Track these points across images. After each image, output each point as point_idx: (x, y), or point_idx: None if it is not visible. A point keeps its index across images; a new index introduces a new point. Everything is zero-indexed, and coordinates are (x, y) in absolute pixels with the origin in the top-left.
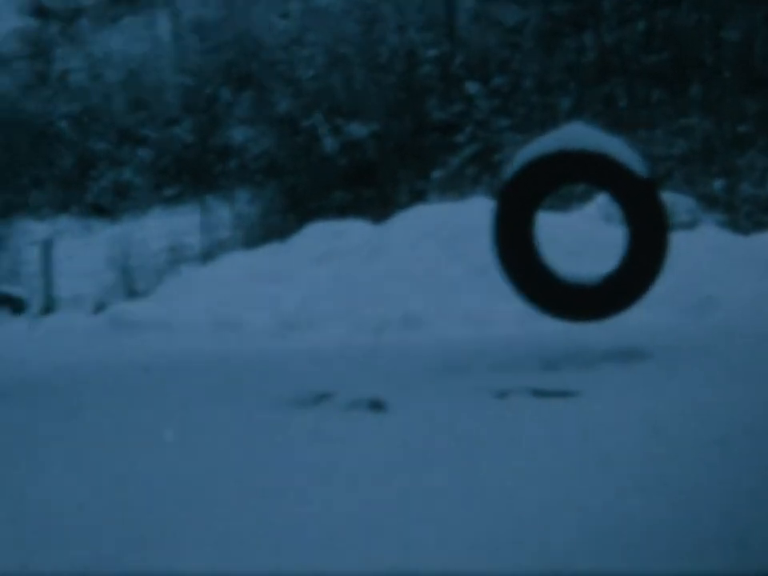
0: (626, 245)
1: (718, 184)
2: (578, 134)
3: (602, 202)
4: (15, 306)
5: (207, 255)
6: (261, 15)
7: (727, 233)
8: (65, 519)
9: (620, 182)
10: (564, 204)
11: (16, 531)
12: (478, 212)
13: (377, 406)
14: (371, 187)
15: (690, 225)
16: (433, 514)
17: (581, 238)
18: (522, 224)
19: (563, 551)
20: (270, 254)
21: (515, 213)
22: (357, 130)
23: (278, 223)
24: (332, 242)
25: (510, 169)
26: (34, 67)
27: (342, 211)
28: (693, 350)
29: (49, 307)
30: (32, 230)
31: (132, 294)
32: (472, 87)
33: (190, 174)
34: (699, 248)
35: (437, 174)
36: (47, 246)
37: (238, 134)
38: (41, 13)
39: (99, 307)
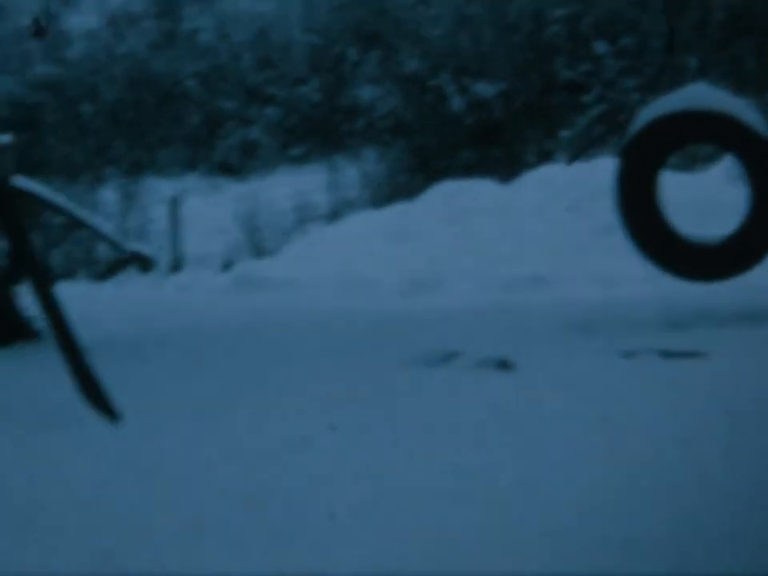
0: (749, 205)
1: None
2: (703, 94)
3: (728, 162)
4: (143, 264)
5: (334, 214)
6: None
7: None
8: (194, 470)
9: (743, 143)
10: (689, 164)
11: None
12: (604, 172)
13: (504, 365)
14: (498, 147)
15: None
16: (563, 470)
17: (705, 198)
18: (645, 183)
19: (698, 512)
20: (397, 213)
21: (638, 172)
22: (484, 89)
23: (405, 182)
24: (459, 202)
25: (633, 128)
26: (162, 27)
27: (469, 170)
28: None
29: (176, 265)
30: (160, 189)
31: (259, 252)
32: (600, 47)
33: (317, 134)
34: None
35: (564, 133)
36: (175, 205)
37: (365, 94)
38: None
39: (226, 266)
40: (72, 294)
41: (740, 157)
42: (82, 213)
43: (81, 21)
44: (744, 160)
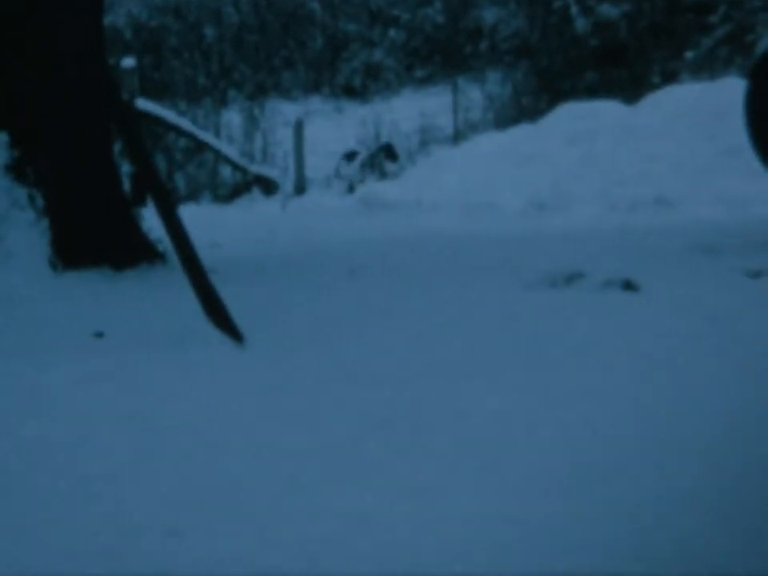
0: None
1: None
2: None
3: None
4: (268, 186)
5: (458, 136)
6: None
7: None
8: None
9: None
10: None
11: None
12: (730, 93)
13: (629, 286)
14: (623, 68)
15: None
16: (692, 393)
17: None
18: None
19: None
20: (521, 135)
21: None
22: (608, 10)
23: (528, 104)
24: (583, 123)
25: (762, 46)
26: None
27: (593, 92)
28: None
29: (300, 188)
30: (283, 111)
31: (383, 174)
32: None
33: (441, 55)
34: None
35: (689, 54)
36: (299, 127)
37: (490, 15)
38: None
39: (351, 188)
40: (196, 217)
41: None
42: (206, 135)
43: None
44: None
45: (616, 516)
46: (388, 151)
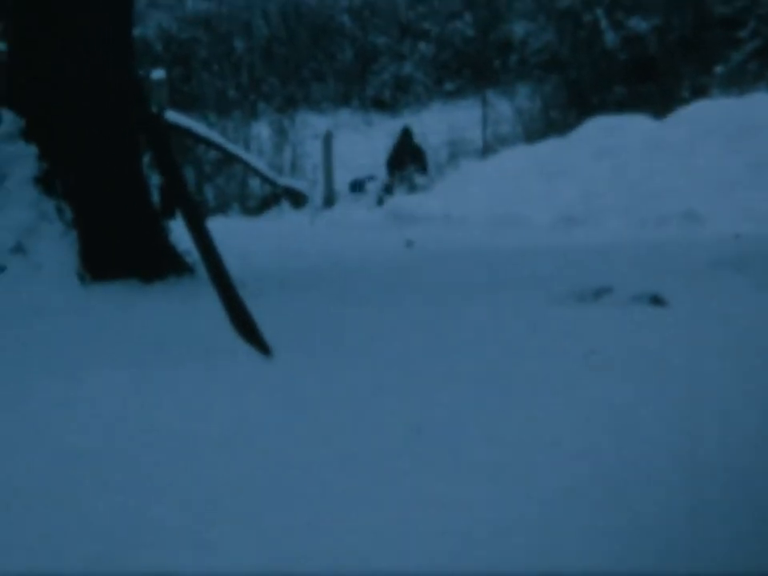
0: None
1: None
2: None
3: None
4: (296, 198)
5: (487, 149)
6: None
7: None
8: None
9: None
10: None
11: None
12: (760, 108)
13: (657, 301)
14: (652, 82)
15: None
16: (718, 407)
17: None
18: None
19: None
20: (550, 148)
21: None
22: (638, 24)
23: (558, 117)
24: (613, 137)
25: None
26: None
27: (623, 106)
28: None
29: (329, 200)
30: (313, 124)
31: (412, 187)
32: None
33: (471, 69)
34: None
35: (719, 69)
36: (328, 139)
37: (519, 29)
38: None
39: (380, 200)
40: (225, 229)
41: None
42: (236, 148)
43: None
44: None
45: (638, 528)
46: (415, 157)
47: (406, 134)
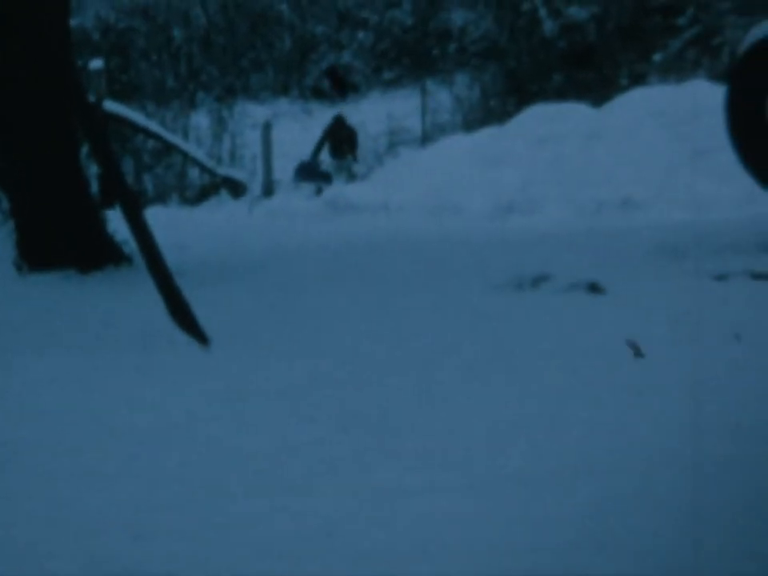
0: None
1: None
2: None
3: None
4: (235, 188)
5: (426, 138)
6: None
7: None
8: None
9: None
10: None
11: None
12: (699, 95)
13: (595, 288)
14: (591, 70)
15: None
16: (656, 394)
17: None
18: (756, 103)
19: None
20: (488, 137)
21: (747, 91)
22: (577, 12)
23: (497, 106)
24: (551, 125)
25: (741, 48)
26: None
27: (562, 94)
28: None
29: (268, 190)
30: (252, 113)
31: (351, 177)
32: None
33: (410, 57)
34: None
35: (657, 56)
36: (267, 129)
37: (458, 17)
38: None
39: (319, 190)
40: (163, 219)
41: None
42: (174, 137)
43: None
44: None
45: (579, 511)
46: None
47: (338, 122)
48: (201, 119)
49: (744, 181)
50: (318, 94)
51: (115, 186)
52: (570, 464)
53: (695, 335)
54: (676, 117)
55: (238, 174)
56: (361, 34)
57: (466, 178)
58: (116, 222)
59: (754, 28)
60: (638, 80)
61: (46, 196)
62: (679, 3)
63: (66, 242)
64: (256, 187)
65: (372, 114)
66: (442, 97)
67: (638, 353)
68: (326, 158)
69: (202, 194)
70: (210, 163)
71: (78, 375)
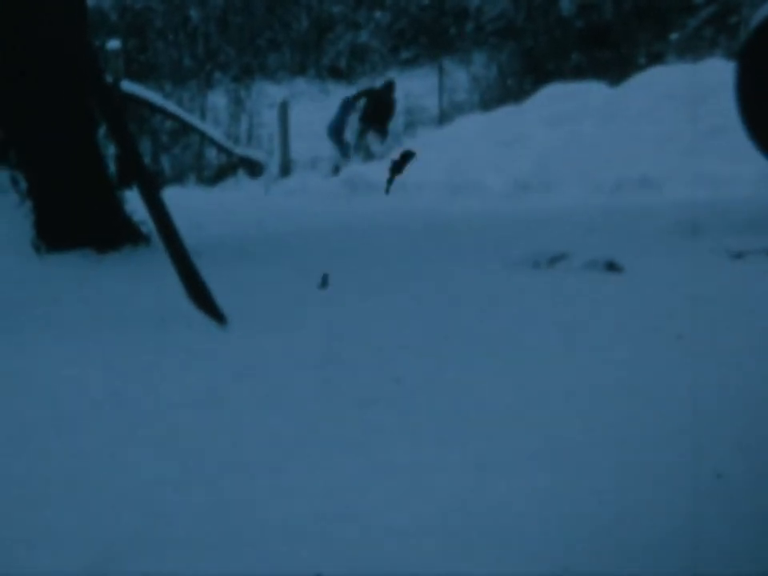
0: None
1: None
2: None
3: None
4: (253, 168)
5: (443, 117)
6: None
7: None
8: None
9: None
10: None
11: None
12: (714, 74)
13: (612, 267)
14: (608, 49)
15: None
16: (672, 372)
17: None
18: (765, 82)
19: None
20: (506, 116)
21: (759, 70)
22: None
23: (514, 85)
24: (568, 104)
25: (750, 26)
26: None
27: (579, 73)
28: None
29: (286, 169)
30: (269, 93)
31: (368, 156)
32: None
33: (427, 37)
34: None
35: (674, 35)
36: (284, 109)
37: None
38: None
39: (336, 169)
40: (181, 198)
41: None
42: (192, 117)
43: None
44: None
45: (595, 493)
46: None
47: (388, 87)
48: (218, 99)
49: (761, 159)
50: (335, 74)
51: (133, 167)
52: (585, 442)
53: (713, 313)
54: (693, 96)
55: (255, 153)
56: (378, 14)
57: (483, 156)
58: (134, 203)
59: (765, 3)
60: (655, 59)
61: (64, 176)
62: None
63: (84, 222)
64: (273, 167)
65: None
66: (459, 76)
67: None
68: (353, 122)
69: (220, 174)
70: (227, 143)
71: (96, 355)
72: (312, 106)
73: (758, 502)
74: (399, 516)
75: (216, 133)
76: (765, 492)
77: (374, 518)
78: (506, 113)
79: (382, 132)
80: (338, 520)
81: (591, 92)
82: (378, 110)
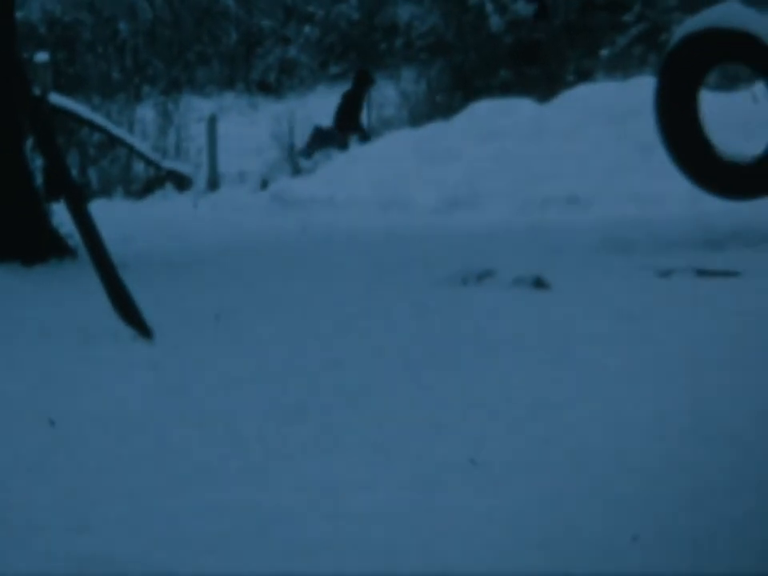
0: None
1: None
2: (732, 13)
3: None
4: (180, 182)
5: (372, 133)
6: None
7: None
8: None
9: (766, 63)
10: (730, 84)
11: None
12: (643, 91)
13: (539, 283)
14: (537, 66)
15: None
16: (596, 390)
17: (747, 116)
18: (684, 101)
19: (738, 431)
20: (434, 132)
21: (677, 89)
22: (523, 7)
23: (443, 101)
24: (497, 121)
25: (669, 46)
26: None
27: (508, 89)
28: None
29: (213, 184)
30: (197, 107)
31: (296, 171)
32: None
33: (356, 52)
34: None
35: (604, 52)
36: (212, 123)
37: (404, 12)
38: None
39: (264, 184)
40: (108, 212)
41: (765, 77)
42: (120, 130)
43: None
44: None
45: (523, 504)
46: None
47: (360, 80)
48: (146, 112)
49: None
50: (264, 89)
51: (60, 179)
52: (506, 456)
53: (639, 331)
54: (621, 113)
55: (183, 167)
56: (307, 29)
57: (412, 172)
58: (61, 215)
59: (687, 21)
60: (584, 76)
61: None
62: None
63: (10, 234)
64: (201, 181)
65: (318, 108)
66: (389, 91)
67: None
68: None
69: (147, 188)
70: (154, 156)
71: (20, 368)
72: (240, 121)
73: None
74: (332, 530)
75: (144, 146)
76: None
77: (299, 534)
78: (434, 129)
79: (358, 131)
80: (255, 536)
81: (520, 108)
82: (348, 109)
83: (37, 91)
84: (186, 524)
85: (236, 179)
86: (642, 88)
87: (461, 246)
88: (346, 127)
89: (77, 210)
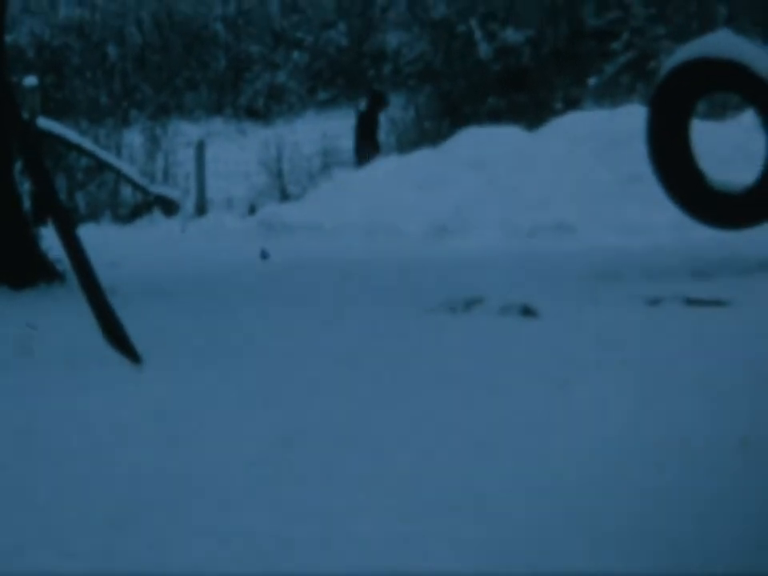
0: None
1: None
2: (723, 42)
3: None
4: (168, 207)
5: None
6: None
7: None
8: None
9: (758, 92)
10: (720, 112)
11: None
12: (632, 119)
13: (528, 311)
14: (525, 93)
15: None
16: (585, 419)
17: (737, 146)
18: (675, 130)
19: (718, 460)
20: (423, 159)
21: (667, 118)
22: (512, 35)
23: (431, 128)
24: (485, 148)
25: (659, 75)
26: None
27: (496, 117)
28: None
29: (201, 209)
30: (185, 132)
31: (284, 197)
32: None
33: (344, 78)
34: None
35: (592, 80)
36: (200, 148)
37: (393, 39)
38: None
39: (252, 210)
40: (96, 236)
41: (755, 105)
42: (108, 155)
43: None
44: (760, 109)
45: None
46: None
47: (374, 100)
48: (134, 137)
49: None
50: (252, 114)
51: (48, 203)
52: (501, 489)
53: (627, 360)
54: (609, 141)
55: (170, 192)
56: (296, 54)
57: (400, 199)
58: (49, 240)
59: (678, 51)
60: (572, 104)
61: None
62: (614, 28)
63: None
64: (189, 206)
65: (306, 133)
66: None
67: None
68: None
69: (135, 212)
70: (142, 181)
71: (8, 391)
72: (228, 146)
73: None
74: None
75: (132, 171)
76: None
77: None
78: (423, 156)
79: (375, 147)
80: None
81: (508, 136)
82: (364, 130)
83: (25, 115)
84: (174, 549)
85: (224, 204)
86: (631, 116)
87: (449, 274)
88: (366, 146)
89: (65, 233)
